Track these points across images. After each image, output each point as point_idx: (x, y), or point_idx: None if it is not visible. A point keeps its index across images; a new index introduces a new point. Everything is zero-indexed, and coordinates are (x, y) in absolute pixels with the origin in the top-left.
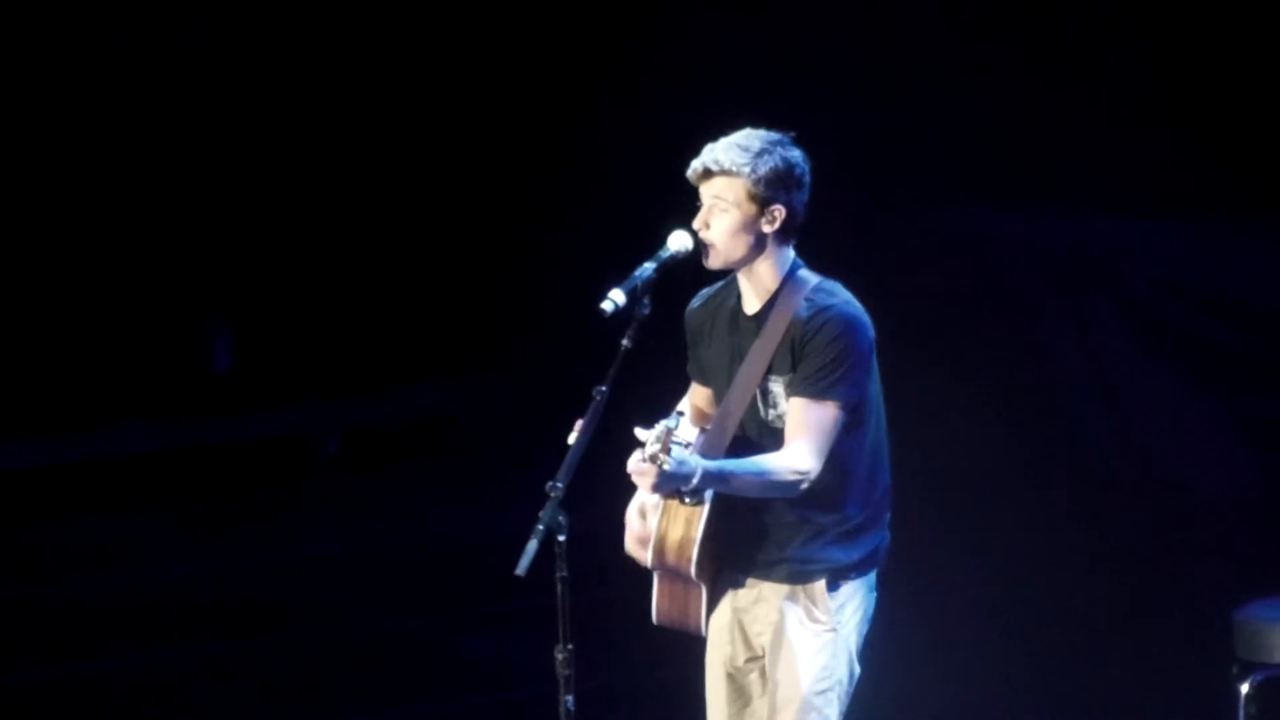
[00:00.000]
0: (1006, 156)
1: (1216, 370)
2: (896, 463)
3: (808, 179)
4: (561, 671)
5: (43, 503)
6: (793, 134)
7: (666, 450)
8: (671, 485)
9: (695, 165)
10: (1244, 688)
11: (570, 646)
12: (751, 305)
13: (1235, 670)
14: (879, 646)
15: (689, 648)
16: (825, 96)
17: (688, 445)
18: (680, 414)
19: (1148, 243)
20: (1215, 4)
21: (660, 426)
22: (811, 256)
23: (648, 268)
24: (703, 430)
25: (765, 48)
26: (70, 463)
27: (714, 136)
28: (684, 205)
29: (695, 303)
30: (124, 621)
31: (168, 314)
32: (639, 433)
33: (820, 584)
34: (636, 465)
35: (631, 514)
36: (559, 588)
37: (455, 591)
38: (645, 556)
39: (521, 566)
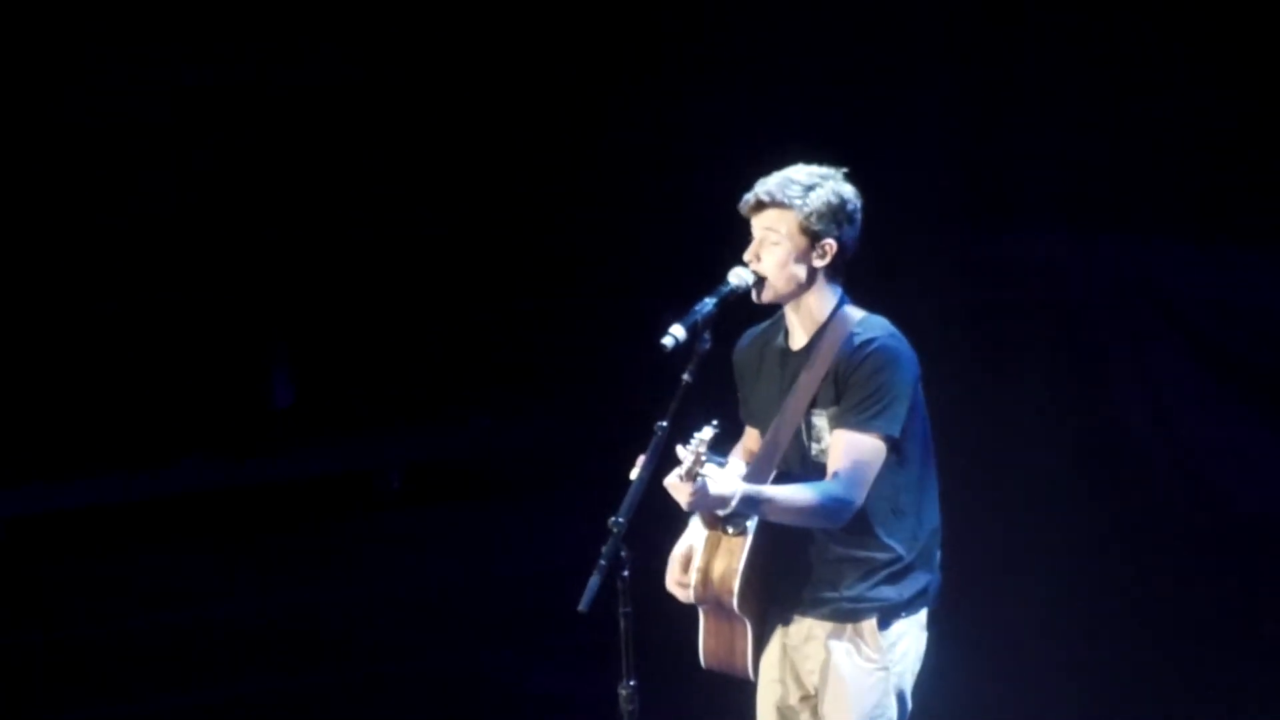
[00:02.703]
0: (1064, 180)
1: (1274, 394)
2: (953, 489)
3: (859, 215)
4: (625, 707)
5: (106, 539)
6: (845, 169)
7: (700, 463)
8: (709, 504)
9: (748, 198)
10: None
11: (633, 682)
12: (798, 340)
13: None
14: (934, 675)
15: (751, 683)
16: (883, 122)
17: (724, 463)
18: (715, 425)
19: (1205, 267)
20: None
21: (695, 440)
22: (867, 280)
23: (708, 303)
24: (748, 463)
25: (828, 84)
26: (134, 499)
27: (764, 167)
28: (740, 241)
29: (742, 342)
30: (187, 658)
31: (230, 351)
32: (679, 450)
33: (871, 622)
34: (673, 481)
35: (675, 556)
36: (621, 623)
37: (518, 627)
38: (686, 595)
39: (584, 602)
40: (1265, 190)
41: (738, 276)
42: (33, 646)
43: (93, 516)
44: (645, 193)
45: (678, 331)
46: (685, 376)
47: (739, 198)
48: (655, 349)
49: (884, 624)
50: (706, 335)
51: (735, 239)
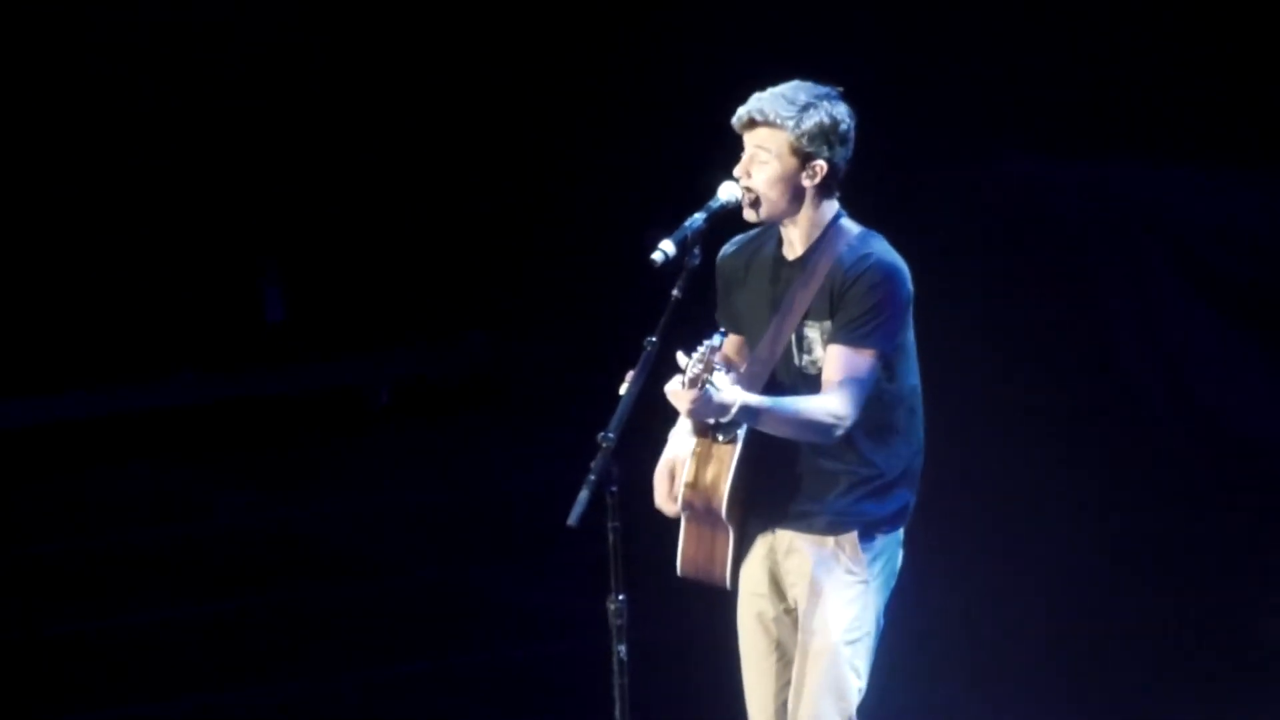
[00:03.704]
0: (1060, 104)
1: (1271, 318)
2: (944, 417)
3: (853, 135)
4: (614, 621)
5: (96, 453)
6: (840, 89)
7: (710, 370)
8: (710, 412)
9: (740, 114)
10: None
11: (622, 597)
12: (792, 251)
13: None
14: (915, 603)
15: (734, 595)
16: (878, 39)
17: (729, 372)
18: (723, 333)
19: (1201, 190)
20: None
21: (704, 347)
22: (859, 202)
23: (698, 218)
24: (737, 374)
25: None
26: (124, 413)
27: (757, 86)
28: (731, 158)
29: (728, 248)
30: (178, 571)
31: (221, 265)
32: (680, 357)
33: (853, 535)
34: (675, 389)
35: (660, 472)
36: (611, 538)
37: (507, 542)
38: (675, 509)
39: (573, 517)
40: (1265, 111)
41: (728, 191)
42: (20, 560)
43: (83, 430)
44: (640, 106)
45: (667, 247)
46: (675, 293)
47: (731, 113)
48: (645, 265)
49: (866, 538)
50: (696, 251)
51: (727, 157)
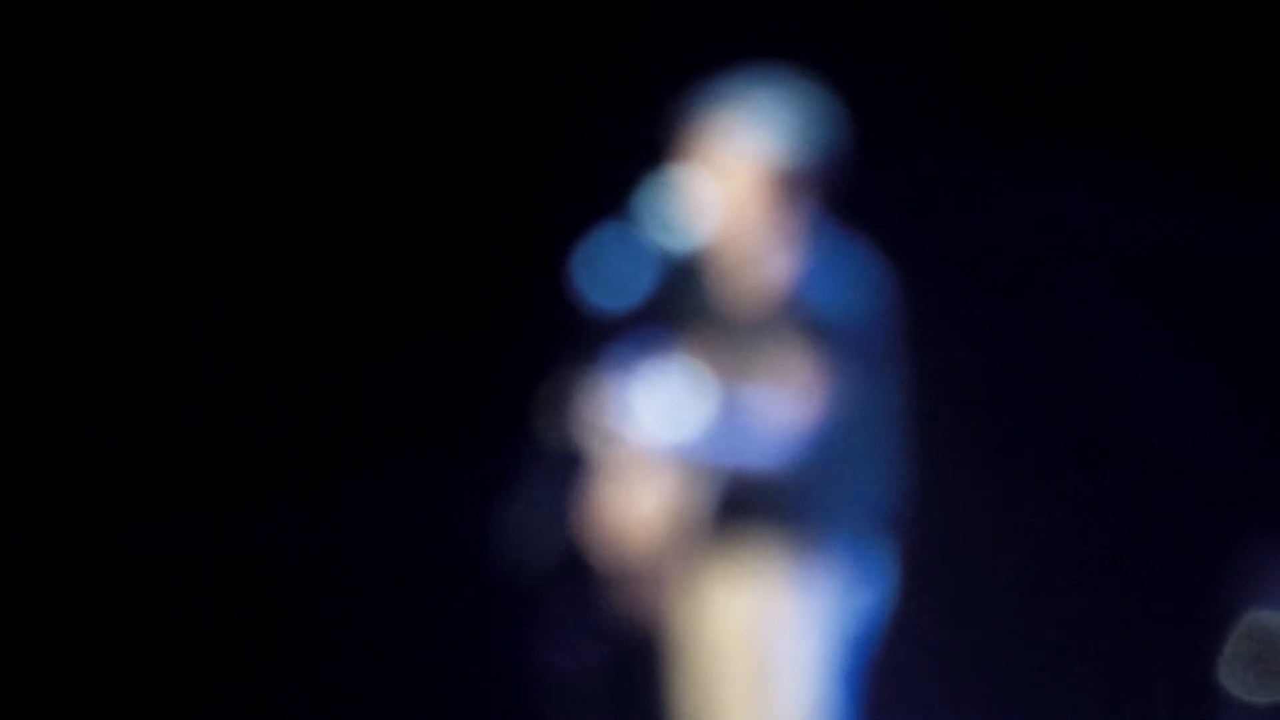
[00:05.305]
0: (1024, 127)
1: (1226, 343)
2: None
3: (832, 168)
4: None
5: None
6: (832, 100)
7: (629, 432)
8: (642, 463)
9: (717, 148)
10: None
11: (578, 634)
12: (748, 310)
13: None
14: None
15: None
16: (839, 58)
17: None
18: (662, 369)
19: (1159, 212)
20: None
21: (623, 412)
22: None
23: (655, 263)
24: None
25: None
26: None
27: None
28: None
29: (694, 289)
30: (133, 610)
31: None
32: (605, 416)
33: (813, 557)
34: (599, 448)
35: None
36: (559, 573)
37: (458, 581)
38: (625, 550)
39: (523, 555)
40: (1226, 131)
41: (684, 235)
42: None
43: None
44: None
45: (622, 293)
46: (625, 337)
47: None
48: (598, 309)
49: (826, 560)
50: (649, 294)
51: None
